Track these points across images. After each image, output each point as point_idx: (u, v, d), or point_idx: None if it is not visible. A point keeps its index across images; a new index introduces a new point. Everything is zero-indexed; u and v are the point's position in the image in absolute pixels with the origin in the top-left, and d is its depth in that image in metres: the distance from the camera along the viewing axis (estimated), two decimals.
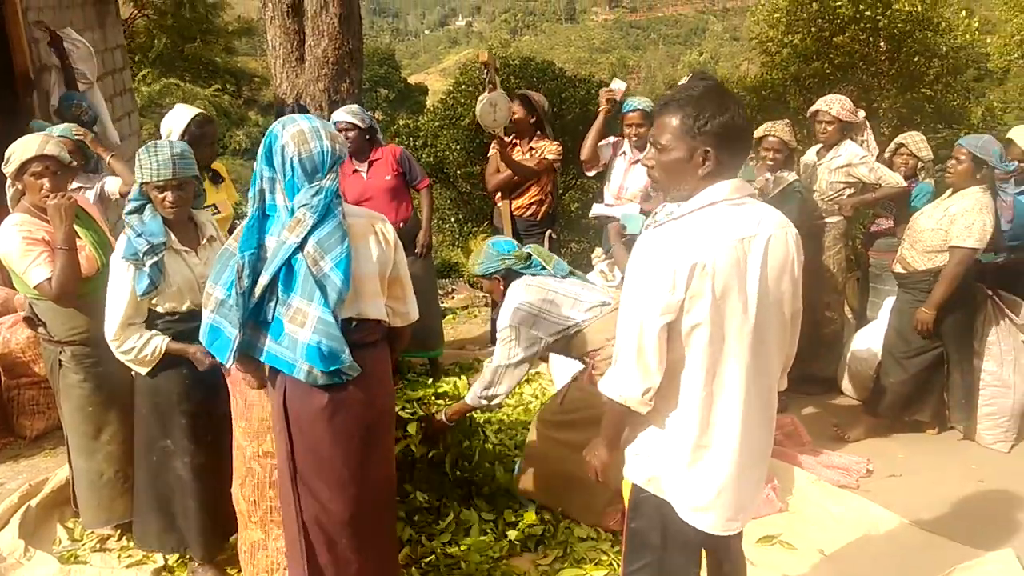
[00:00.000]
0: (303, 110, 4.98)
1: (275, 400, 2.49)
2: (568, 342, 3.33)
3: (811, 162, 4.85)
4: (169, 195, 2.85)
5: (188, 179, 2.90)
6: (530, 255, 3.46)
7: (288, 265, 2.32)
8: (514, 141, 5.31)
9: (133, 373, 3.03)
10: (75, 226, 3.16)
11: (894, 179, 4.64)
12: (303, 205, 2.31)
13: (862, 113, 4.77)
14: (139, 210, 2.87)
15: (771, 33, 14.40)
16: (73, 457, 3.36)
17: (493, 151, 5.26)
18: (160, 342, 2.91)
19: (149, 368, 2.94)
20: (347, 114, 4.89)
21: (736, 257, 1.93)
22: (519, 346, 3.25)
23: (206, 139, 4.05)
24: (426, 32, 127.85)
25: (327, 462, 2.47)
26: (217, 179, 4.28)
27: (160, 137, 4.20)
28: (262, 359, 2.43)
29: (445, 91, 16.47)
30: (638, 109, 4.93)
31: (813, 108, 4.79)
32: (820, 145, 4.84)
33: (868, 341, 4.76)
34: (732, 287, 1.93)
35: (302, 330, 2.32)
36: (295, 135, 2.33)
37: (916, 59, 13.61)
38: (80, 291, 3.05)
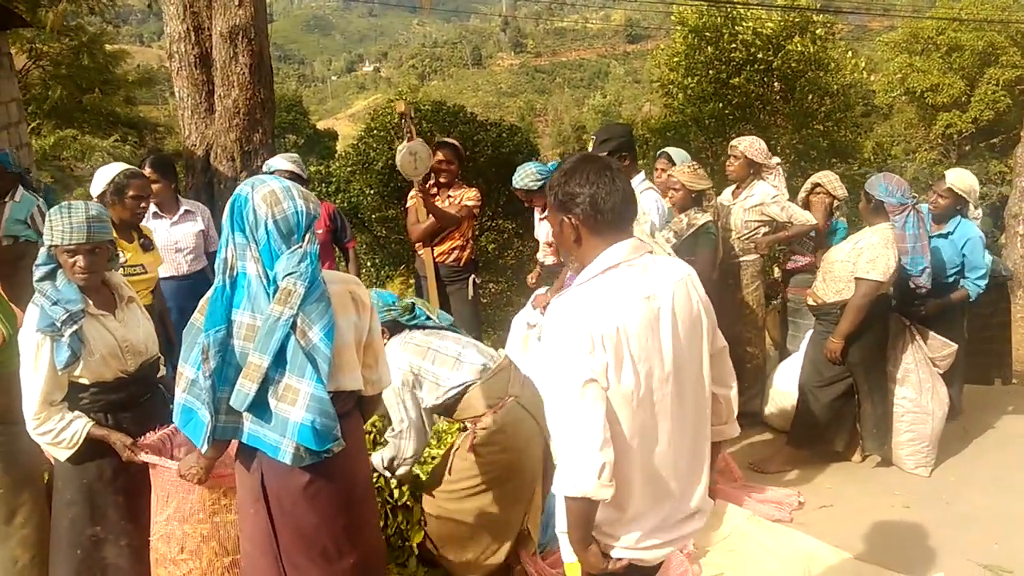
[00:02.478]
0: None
1: (250, 482, 2.32)
2: (452, 406, 3.15)
3: (726, 202, 4.98)
4: (81, 260, 2.64)
5: (102, 243, 2.70)
6: (414, 305, 3.30)
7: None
8: (434, 189, 5.27)
9: (53, 459, 2.80)
10: None
11: (804, 217, 4.80)
12: (290, 273, 2.15)
13: (776, 160, 4.93)
14: (50, 276, 2.65)
15: (671, 76, 14.99)
16: None
17: (412, 202, 5.22)
18: (81, 426, 2.68)
19: (69, 453, 2.70)
20: (288, 162, 4.79)
21: (646, 316, 1.93)
22: (406, 410, 3.07)
23: (127, 192, 3.79)
24: (333, 78, 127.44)
25: (313, 540, 2.33)
26: (148, 246, 4.05)
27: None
28: (244, 440, 2.27)
29: (356, 136, 16.41)
30: (517, 189, 5.05)
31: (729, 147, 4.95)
32: (734, 186, 4.98)
33: (789, 373, 4.87)
34: (648, 346, 1.92)
35: (294, 408, 2.16)
36: (266, 196, 2.19)
37: (809, 98, 14.37)
38: None
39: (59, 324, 2.57)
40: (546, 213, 5.03)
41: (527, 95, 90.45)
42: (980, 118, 21.84)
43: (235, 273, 2.21)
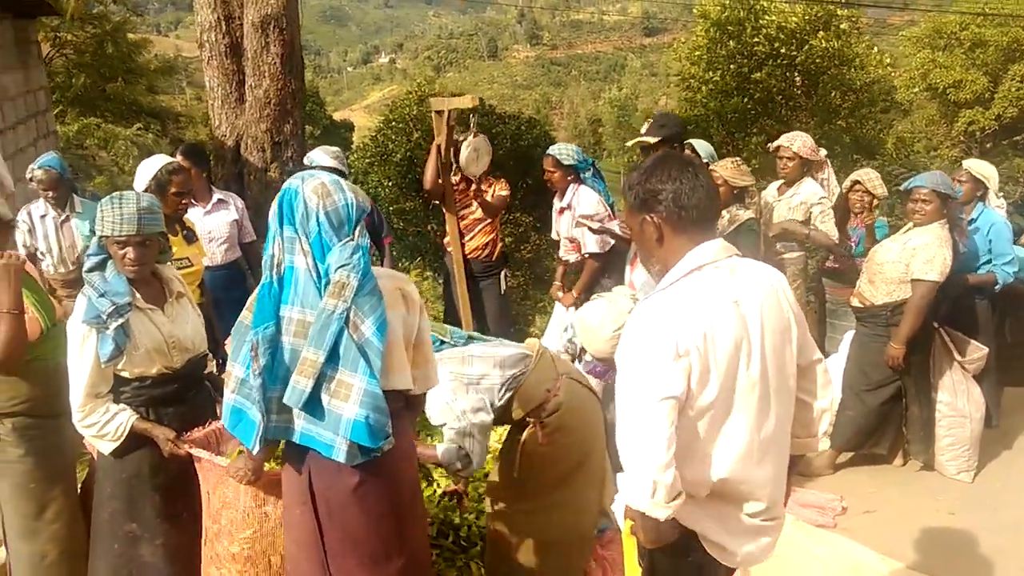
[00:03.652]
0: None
1: (297, 483, 2.28)
2: (507, 407, 2.92)
3: (771, 198, 4.88)
4: (131, 252, 2.59)
5: (153, 235, 2.65)
6: None
7: None
8: (463, 184, 5.18)
9: (95, 452, 2.77)
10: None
11: (830, 232, 4.70)
12: (343, 266, 2.10)
13: (824, 152, 4.82)
14: (100, 266, 2.62)
15: (692, 70, 14.86)
16: (11, 539, 3.02)
17: (432, 160, 5.04)
18: (126, 419, 2.64)
19: (113, 446, 2.66)
20: (330, 157, 4.75)
21: (734, 321, 1.86)
22: (466, 403, 2.78)
23: (169, 188, 3.77)
24: (349, 69, 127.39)
25: (361, 542, 2.27)
26: (191, 238, 4.02)
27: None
28: (296, 440, 2.22)
29: (375, 128, 16.35)
30: (549, 155, 4.88)
31: (775, 144, 4.82)
32: (781, 182, 4.87)
33: None
34: (735, 353, 1.86)
35: (347, 404, 2.11)
36: (316, 188, 2.16)
37: (832, 94, 14.20)
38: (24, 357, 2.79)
39: (105, 316, 2.53)
40: (564, 203, 4.88)
41: (543, 87, 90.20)
42: (1004, 115, 21.53)
43: (283, 268, 2.17)
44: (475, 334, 3.29)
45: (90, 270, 2.62)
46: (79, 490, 3.16)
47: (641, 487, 1.77)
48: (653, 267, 2.03)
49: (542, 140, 14.63)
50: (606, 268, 4.82)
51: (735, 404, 1.88)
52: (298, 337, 2.15)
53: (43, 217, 4.68)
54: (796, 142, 4.70)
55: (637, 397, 1.81)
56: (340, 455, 2.16)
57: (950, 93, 22.00)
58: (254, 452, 2.22)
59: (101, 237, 2.61)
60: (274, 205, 2.21)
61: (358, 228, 2.19)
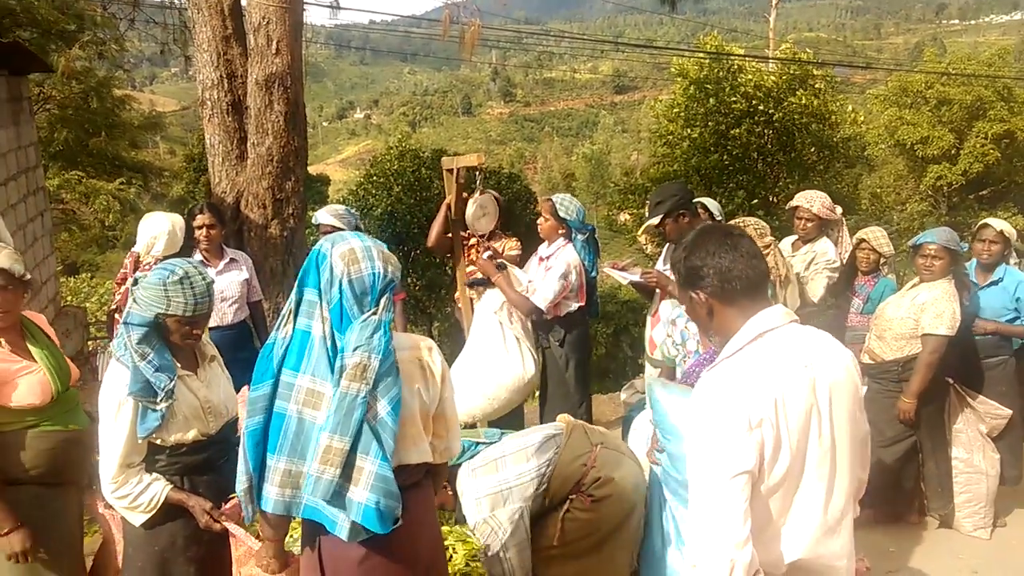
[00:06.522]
0: None
1: (309, 555, 2.21)
2: (545, 493, 2.92)
3: (786, 252, 4.87)
4: (196, 329, 2.60)
5: (209, 313, 2.65)
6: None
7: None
8: (472, 240, 5.17)
9: (114, 523, 2.70)
10: (30, 346, 2.85)
11: (812, 296, 4.65)
12: (359, 347, 2.03)
13: (839, 210, 4.85)
14: (147, 339, 2.53)
15: (671, 127, 15.13)
16: None
17: (439, 218, 5.00)
18: (160, 489, 2.56)
19: (145, 518, 2.56)
20: (331, 216, 4.71)
21: (805, 386, 1.83)
22: (504, 531, 2.83)
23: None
24: (324, 124, 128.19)
25: None
26: None
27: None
28: (298, 515, 2.15)
29: (354, 182, 16.43)
30: (549, 200, 4.73)
31: (792, 203, 4.83)
32: (795, 237, 4.87)
33: None
34: (806, 422, 1.82)
35: (357, 488, 2.04)
36: (344, 254, 2.11)
37: (811, 150, 14.49)
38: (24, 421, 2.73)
39: (162, 393, 2.48)
40: (545, 253, 4.78)
41: (516, 143, 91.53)
42: (969, 170, 22.07)
43: (291, 331, 2.13)
44: (507, 430, 3.28)
45: (140, 341, 2.51)
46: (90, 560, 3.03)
47: (718, 566, 1.72)
48: (712, 338, 2.03)
49: (522, 194, 14.82)
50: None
51: (807, 476, 1.83)
52: (308, 407, 2.08)
53: None
54: (815, 204, 4.68)
55: (709, 473, 1.77)
56: (342, 532, 2.10)
57: (918, 149, 22.57)
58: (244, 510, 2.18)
59: (160, 314, 2.52)
60: (305, 265, 2.18)
61: (383, 300, 2.12)
